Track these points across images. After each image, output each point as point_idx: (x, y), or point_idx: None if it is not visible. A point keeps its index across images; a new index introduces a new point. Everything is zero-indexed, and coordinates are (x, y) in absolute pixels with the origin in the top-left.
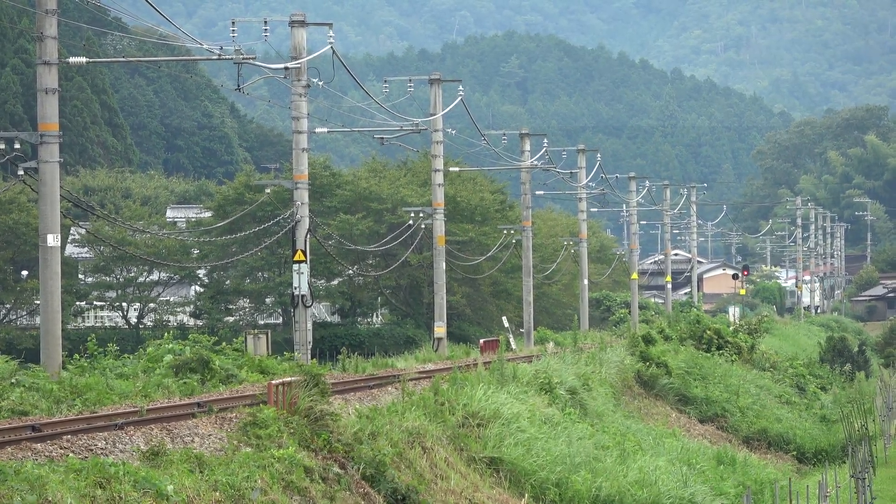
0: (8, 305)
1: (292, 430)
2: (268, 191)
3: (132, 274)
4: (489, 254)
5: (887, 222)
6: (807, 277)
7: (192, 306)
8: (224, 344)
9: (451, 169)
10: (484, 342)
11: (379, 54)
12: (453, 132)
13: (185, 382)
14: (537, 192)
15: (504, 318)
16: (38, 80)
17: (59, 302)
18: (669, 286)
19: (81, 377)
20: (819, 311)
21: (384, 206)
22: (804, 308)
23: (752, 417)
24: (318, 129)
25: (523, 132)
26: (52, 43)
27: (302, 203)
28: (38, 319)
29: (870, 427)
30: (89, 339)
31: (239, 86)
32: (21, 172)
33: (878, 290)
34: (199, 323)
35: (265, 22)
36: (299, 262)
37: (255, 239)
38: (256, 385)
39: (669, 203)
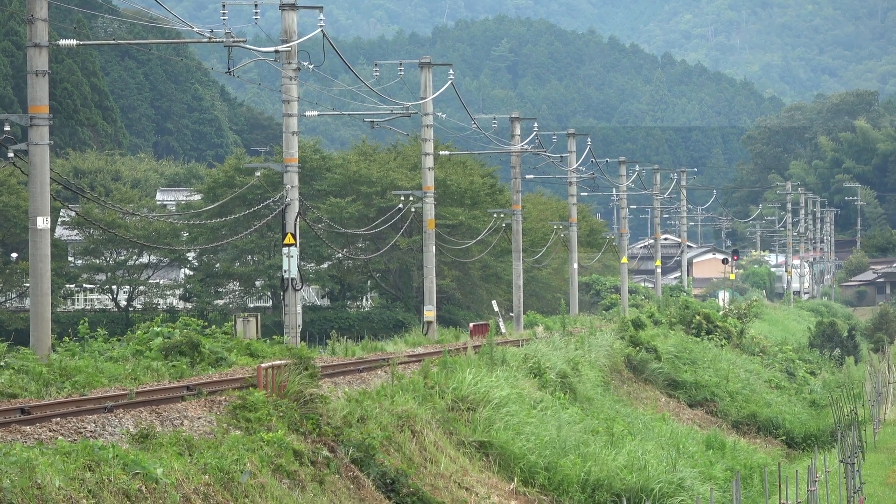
0: None
1: (282, 414)
2: (258, 174)
3: (122, 257)
4: (479, 237)
5: (877, 207)
6: (795, 262)
7: (181, 289)
8: (213, 327)
9: (441, 153)
10: (474, 326)
11: (369, 38)
12: (443, 116)
13: (174, 365)
14: (527, 176)
15: (494, 301)
16: (29, 62)
17: (48, 284)
18: (659, 270)
19: (71, 360)
20: (809, 296)
21: (374, 190)
22: (793, 293)
23: (741, 402)
24: (308, 113)
25: (513, 116)
26: (42, 25)
27: (292, 186)
28: (27, 302)
29: (859, 412)
30: (81, 322)
31: (229, 69)
32: (11, 155)
33: (868, 276)
34: (189, 306)
35: (255, 5)
36: (289, 245)
37: (245, 222)
38: (246, 368)
39: (659, 187)
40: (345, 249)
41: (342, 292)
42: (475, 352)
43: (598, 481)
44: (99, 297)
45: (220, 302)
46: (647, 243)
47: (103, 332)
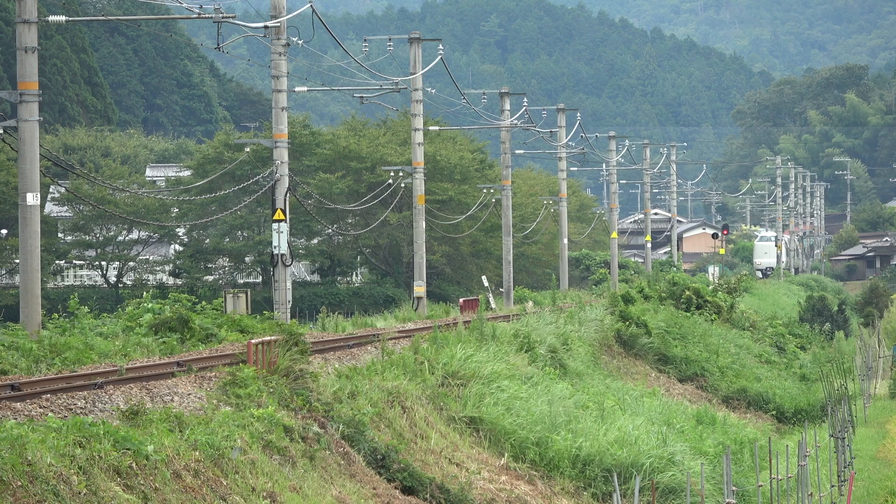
0: None
1: (272, 390)
2: (247, 150)
3: (112, 233)
4: (469, 213)
5: (867, 181)
6: (770, 234)
7: (171, 265)
8: (203, 303)
9: (430, 128)
10: (464, 301)
11: (358, 13)
12: (433, 91)
13: (164, 341)
14: (517, 152)
15: (484, 277)
16: (18, 38)
17: (38, 261)
18: (649, 245)
19: (61, 336)
20: (797, 270)
21: (364, 165)
22: (766, 270)
23: (731, 377)
24: (297, 88)
25: (503, 91)
26: (31, 1)
27: (281, 162)
28: (17, 278)
29: (849, 387)
30: (71, 297)
31: (218, 45)
32: (0, 131)
33: (858, 250)
34: (179, 282)
35: None
36: (279, 221)
37: (235, 198)
38: (236, 344)
39: (649, 162)
40: (335, 225)
41: (332, 268)
42: (465, 327)
43: (589, 456)
44: (89, 273)
45: (210, 278)
46: (636, 218)
47: (85, 309)
